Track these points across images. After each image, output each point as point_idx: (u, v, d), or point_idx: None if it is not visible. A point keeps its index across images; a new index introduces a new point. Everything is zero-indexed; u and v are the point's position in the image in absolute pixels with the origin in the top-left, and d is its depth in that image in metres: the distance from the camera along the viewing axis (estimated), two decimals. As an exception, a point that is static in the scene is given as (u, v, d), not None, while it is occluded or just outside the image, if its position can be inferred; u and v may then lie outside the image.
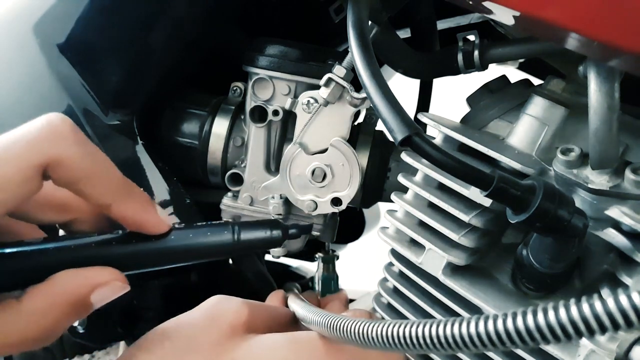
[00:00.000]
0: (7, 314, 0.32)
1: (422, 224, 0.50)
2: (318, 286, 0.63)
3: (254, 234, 0.39)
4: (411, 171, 0.52)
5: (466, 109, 0.54)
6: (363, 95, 0.55)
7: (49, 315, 0.33)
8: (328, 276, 0.63)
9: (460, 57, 0.54)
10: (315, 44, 0.60)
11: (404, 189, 0.52)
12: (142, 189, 0.36)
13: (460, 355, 0.48)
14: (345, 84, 0.54)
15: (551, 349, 0.42)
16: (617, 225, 0.42)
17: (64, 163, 0.32)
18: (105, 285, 0.34)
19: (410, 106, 0.58)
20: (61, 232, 0.39)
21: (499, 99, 0.53)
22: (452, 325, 0.28)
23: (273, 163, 0.61)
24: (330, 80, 0.54)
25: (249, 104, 0.60)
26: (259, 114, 0.59)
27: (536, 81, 0.57)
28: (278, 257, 0.63)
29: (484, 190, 0.38)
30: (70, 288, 0.34)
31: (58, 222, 0.38)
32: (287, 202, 0.60)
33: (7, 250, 0.34)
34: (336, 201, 0.58)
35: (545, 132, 0.48)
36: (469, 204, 0.47)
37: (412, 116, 0.45)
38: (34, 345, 0.33)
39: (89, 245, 0.35)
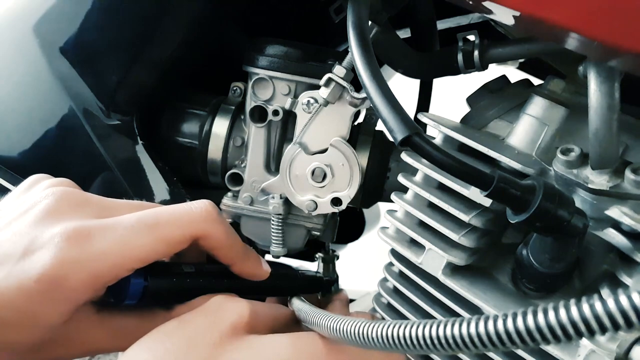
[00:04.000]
0: (159, 320, 0.42)
1: (422, 224, 0.50)
2: (318, 286, 0.63)
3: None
4: (411, 171, 0.52)
5: (466, 109, 0.54)
6: (363, 95, 0.55)
7: None
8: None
9: (460, 57, 0.54)
10: (315, 44, 0.60)
11: (404, 189, 0.52)
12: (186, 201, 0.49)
13: (460, 355, 0.48)
14: (345, 84, 0.54)
15: (551, 349, 0.42)
16: (617, 225, 0.42)
17: (211, 237, 0.44)
18: None
19: (410, 106, 0.58)
20: None
21: (499, 99, 0.53)
22: (452, 325, 0.28)
23: (273, 163, 0.61)
24: (330, 80, 0.54)
25: (249, 104, 0.60)
26: (259, 114, 0.59)
27: (536, 81, 0.57)
28: (278, 257, 0.63)
29: (484, 190, 0.38)
30: None
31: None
32: (287, 202, 0.60)
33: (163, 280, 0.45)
34: (336, 201, 0.58)
35: (545, 132, 0.48)
36: (469, 204, 0.47)
37: (412, 116, 0.45)
38: None
39: (215, 277, 0.47)
